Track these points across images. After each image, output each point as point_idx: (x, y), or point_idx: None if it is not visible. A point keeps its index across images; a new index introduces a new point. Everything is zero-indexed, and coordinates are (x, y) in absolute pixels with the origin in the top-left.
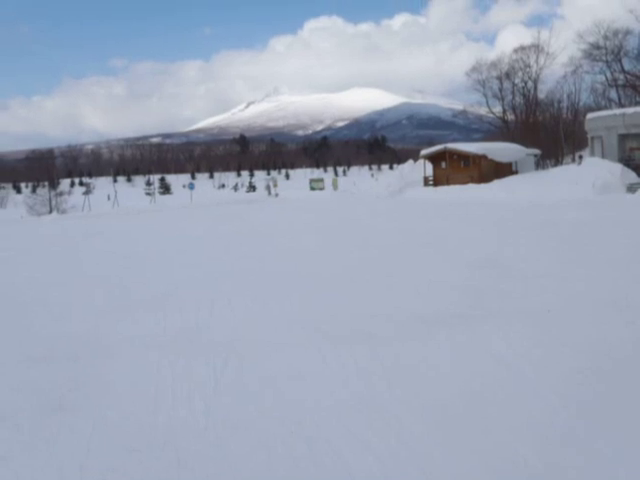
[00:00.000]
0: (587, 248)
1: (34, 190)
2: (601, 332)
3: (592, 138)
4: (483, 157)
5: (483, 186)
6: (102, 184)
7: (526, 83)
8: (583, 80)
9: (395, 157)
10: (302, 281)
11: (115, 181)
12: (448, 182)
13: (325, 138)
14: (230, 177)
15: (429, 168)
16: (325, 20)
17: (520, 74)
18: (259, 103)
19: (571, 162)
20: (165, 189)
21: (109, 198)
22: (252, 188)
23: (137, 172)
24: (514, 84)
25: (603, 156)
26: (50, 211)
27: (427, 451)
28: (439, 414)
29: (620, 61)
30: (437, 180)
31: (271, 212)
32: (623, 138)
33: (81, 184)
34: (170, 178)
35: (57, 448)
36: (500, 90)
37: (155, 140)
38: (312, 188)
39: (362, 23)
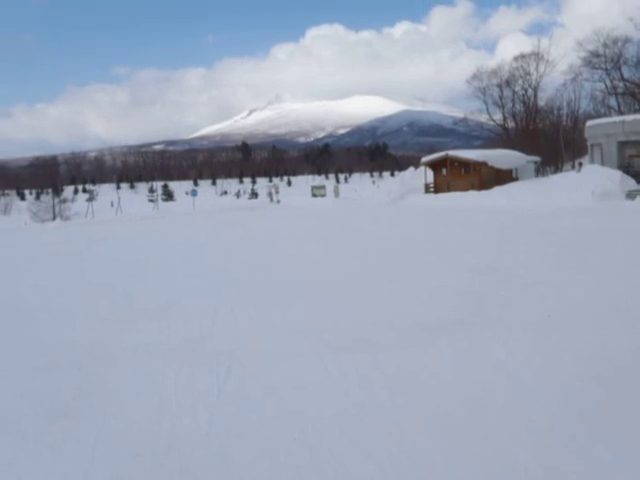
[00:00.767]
0: (587, 255)
1: (38, 197)
2: (601, 338)
3: (592, 145)
4: (484, 164)
5: (484, 193)
6: (105, 191)
7: (526, 91)
8: (583, 88)
9: (396, 164)
10: (304, 289)
11: (118, 188)
12: (449, 189)
13: (327, 145)
14: (232, 184)
15: (430, 175)
16: (327, 28)
17: (520, 82)
18: (261, 110)
19: (571, 169)
20: (168, 196)
21: (112, 205)
22: (254, 195)
23: (140, 179)
24: (514, 92)
25: (603, 163)
26: (54, 218)
27: (428, 459)
28: (440, 422)
29: (619, 69)
30: (438, 187)
31: (273, 219)
32: (622, 145)
33: (84, 191)
34: (173, 185)
35: (61, 455)
36: (500, 98)
37: (158, 147)
38: (314, 195)
39: (363, 31)
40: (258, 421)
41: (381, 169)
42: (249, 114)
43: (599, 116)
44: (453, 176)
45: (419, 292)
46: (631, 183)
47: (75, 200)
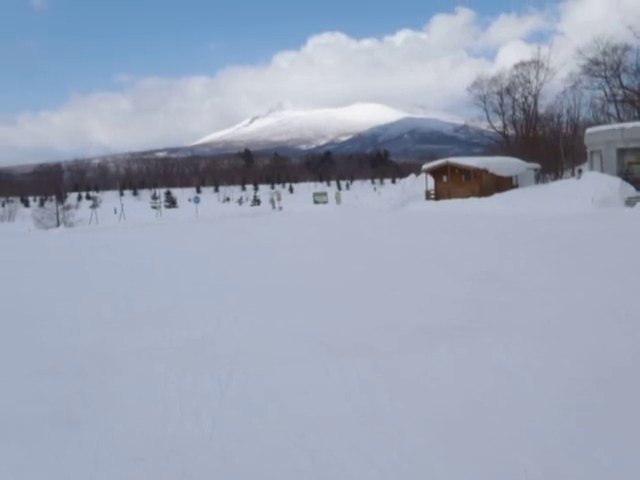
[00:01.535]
0: (586, 260)
1: (42, 204)
2: (601, 342)
3: (591, 152)
4: (484, 171)
5: (484, 200)
6: (109, 198)
7: (526, 98)
8: (582, 95)
9: (397, 171)
10: (306, 295)
11: (121, 195)
12: (449, 196)
13: (328, 152)
14: (235, 191)
15: (431, 182)
16: (328, 36)
17: (520, 89)
18: (263, 118)
19: (571, 176)
20: (171, 203)
21: (116, 211)
22: (256, 202)
23: (143, 186)
24: (514, 99)
25: (602, 170)
26: (57, 224)
27: (429, 463)
28: (441, 425)
29: (619, 76)
30: (439, 194)
31: (275, 226)
32: (622, 152)
33: (88, 198)
34: (176, 192)
35: (65, 460)
36: (501, 105)
37: (161, 154)
38: (315, 202)
39: (365, 39)
40: (260, 425)
41: (382, 176)
42: (251, 122)
43: (599, 123)
44: (454, 183)
45: (420, 298)
46: (630, 190)
47: (79, 207)
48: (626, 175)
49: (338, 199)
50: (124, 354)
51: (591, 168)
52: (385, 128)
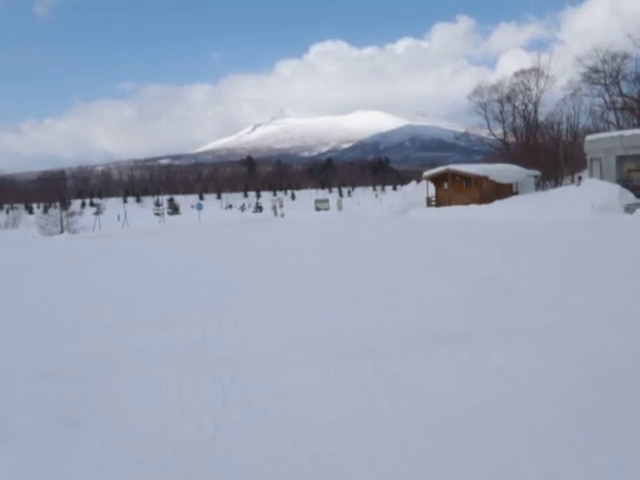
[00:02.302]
0: (586, 265)
1: (46, 210)
2: (601, 346)
3: (591, 160)
4: (484, 178)
5: (484, 206)
6: (112, 204)
7: (526, 106)
8: (582, 103)
9: (398, 178)
10: (307, 299)
11: (125, 202)
12: (450, 202)
13: (330, 160)
14: (237, 198)
15: (432, 189)
16: (330, 44)
17: (521, 97)
18: (266, 125)
19: (570, 183)
20: (174, 209)
21: (119, 218)
22: (259, 208)
23: (146, 193)
24: (515, 107)
25: (602, 177)
26: (61, 231)
27: (429, 465)
28: (441, 428)
29: (618, 84)
30: (439, 201)
31: (277, 232)
32: (621, 159)
33: (92, 205)
34: (179, 199)
35: (66, 463)
36: (501, 113)
37: (164, 161)
38: (317, 208)
39: (366, 47)
40: (261, 427)
41: (383, 183)
42: (254, 129)
43: (598, 131)
44: (454, 190)
45: (421, 303)
46: (630, 197)
47: (82, 214)
48: (625, 182)
49: (340, 206)
50: (125, 358)
51: (591, 175)
52: (386, 135)
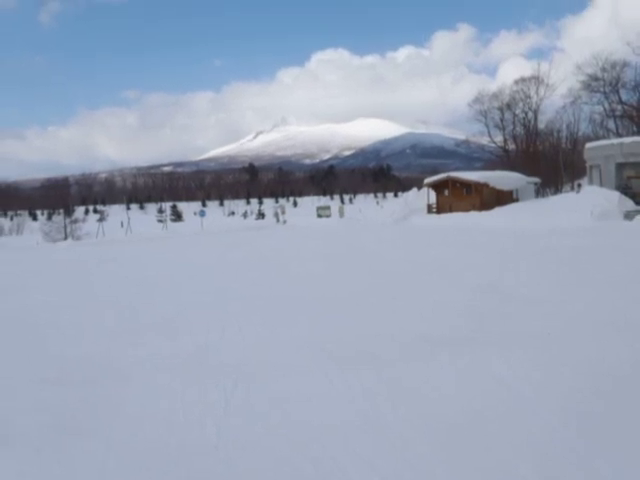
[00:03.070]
0: (586, 272)
1: (49, 217)
2: (600, 352)
3: (590, 167)
4: (485, 185)
5: (485, 213)
6: (115, 211)
7: (526, 113)
8: (582, 110)
9: (399, 185)
10: (309, 305)
11: (128, 208)
12: (451, 209)
13: (332, 167)
14: (240, 205)
15: (432, 196)
16: (332, 53)
17: (521, 105)
18: (268, 133)
19: (570, 190)
20: (177, 216)
21: (122, 225)
22: (261, 215)
23: (149, 200)
24: (515, 114)
25: (601, 184)
26: (65, 237)
27: (430, 469)
28: (442, 433)
29: (618, 92)
30: (440, 207)
31: (279, 239)
32: (621, 167)
33: (95, 211)
34: (182, 205)
35: (70, 468)
36: (501, 120)
37: (167, 169)
38: (319, 215)
39: (367, 55)
40: (264, 432)
41: (384, 190)
42: (255, 137)
43: (598, 138)
44: (455, 197)
45: (422, 309)
46: (629, 204)
47: (86, 220)
48: (625, 189)
49: (341, 213)
50: (129, 364)
51: (590, 182)
52: (387, 143)
